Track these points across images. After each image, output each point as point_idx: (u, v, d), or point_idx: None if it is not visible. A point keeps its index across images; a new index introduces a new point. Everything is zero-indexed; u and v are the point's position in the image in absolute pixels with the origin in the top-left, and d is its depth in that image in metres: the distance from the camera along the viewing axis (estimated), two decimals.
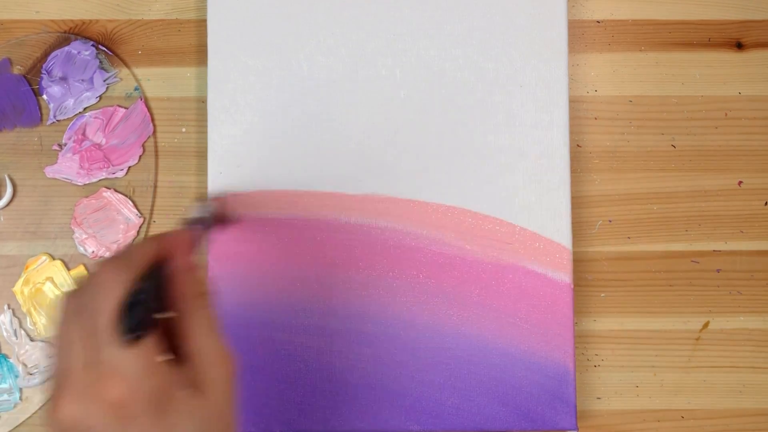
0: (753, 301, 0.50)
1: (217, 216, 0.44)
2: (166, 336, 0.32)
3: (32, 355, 0.48)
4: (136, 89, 0.50)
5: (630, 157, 0.50)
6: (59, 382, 0.31)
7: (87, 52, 0.50)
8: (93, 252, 0.49)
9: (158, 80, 0.50)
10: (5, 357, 0.48)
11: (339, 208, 0.47)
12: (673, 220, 0.50)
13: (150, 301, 0.32)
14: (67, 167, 0.49)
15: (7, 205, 0.49)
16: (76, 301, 0.32)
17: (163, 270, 0.33)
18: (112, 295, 0.31)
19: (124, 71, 0.50)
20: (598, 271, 0.50)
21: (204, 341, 0.32)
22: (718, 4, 0.51)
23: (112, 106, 0.50)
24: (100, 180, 0.49)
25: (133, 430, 0.30)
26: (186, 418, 0.31)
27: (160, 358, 0.31)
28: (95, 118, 0.50)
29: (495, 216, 0.47)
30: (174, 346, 0.32)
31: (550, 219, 0.47)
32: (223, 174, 0.47)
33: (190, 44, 0.51)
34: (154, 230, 0.49)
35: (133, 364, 0.30)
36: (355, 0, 0.48)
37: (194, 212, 0.42)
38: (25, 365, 0.48)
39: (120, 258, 0.32)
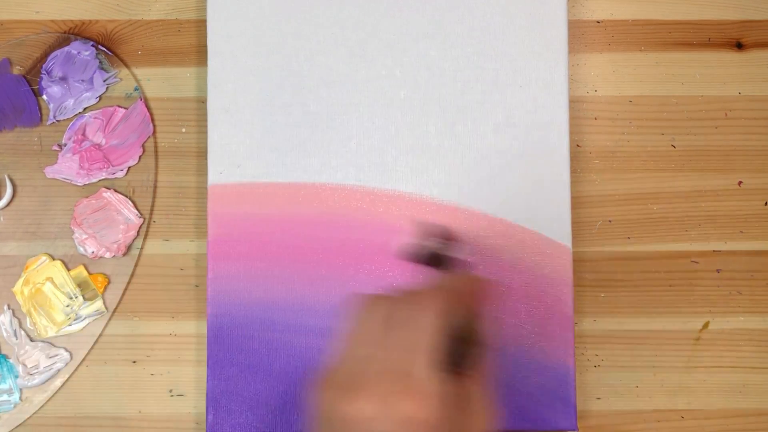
0: (753, 301, 0.50)
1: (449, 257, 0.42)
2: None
3: (32, 356, 0.48)
4: (136, 89, 0.50)
5: (630, 157, 0.50)
6: (354, 377, 0.32)
7: (87, 53, 0.50)
8: (93, 252, 0.49)
9: (158, 80, 0.50)
10: (5, 357, 0.48)
11: (338, 206, 0.47)
12: (673, 220, 0.50)
13: (468, 339, 0.33)
14: (67, 167, 0.49)
15: (7, 205, 0.49)
16: (397, 311, 0.33)
17: (472, 313, 0.35)
18: (442, 321, 0.32)
19: (124, 71, 0.50)
20: (598, 271, 0.50)
21: (475, 386, 0.34)
22: (718, 4, 0.51)
23: (112, 106, 0.50)
24: (100, 180, 0.49)
25: None
26: None
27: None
28: (95, 118, 0.50)
29: (495, 216, 0.47)
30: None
31: (550, 219, 0.47)
32: (223, 174, 0.47)
33: (190, 44, 0.51)
34: (154, 230, 0.49)
35: (440, 392, 0.31)
36: (355, 0, 0.48)
37: (447, 250, 0.41)
38: (25, 365, 0.48)
39: (450, 289, 0.34)
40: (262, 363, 0.46)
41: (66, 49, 0.50)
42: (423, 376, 0.31)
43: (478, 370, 0.34)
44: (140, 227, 0.49)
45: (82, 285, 0.49)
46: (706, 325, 0.49)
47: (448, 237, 0.41)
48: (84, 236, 0.49)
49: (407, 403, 0.30)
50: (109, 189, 0.49)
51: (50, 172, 0.49)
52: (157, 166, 0.50)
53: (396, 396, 0.30)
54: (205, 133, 0.48)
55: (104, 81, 0.50)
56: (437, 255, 0.40)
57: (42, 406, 0.48)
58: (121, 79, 0.50)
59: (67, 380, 0.48)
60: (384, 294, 0.34)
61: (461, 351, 0.33)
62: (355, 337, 0.33)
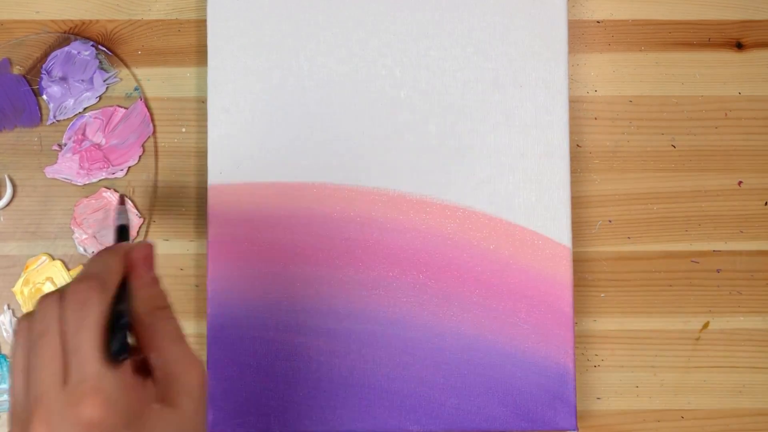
0: (753, 301, 0.50)
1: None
2: (136, 351, 0.32)
3: None
4: (136, 89, 0.50)
5: (630, 157, 0.50)
6: (27, 406, 0.30)
7: (87, 53, 0.50)
8: (93, 252, 0.49)
9: (158, 80, 0.50)
10: (5, 357, 0.48)
11: (338, 207, 0.47)
12: (673, 220, 0.50)
13: (124, 319, 0.32)
14: (67, 167, 0.49)
15: (7, 205, 0.49)
16: (43, 323, 0.31)
17: (127, 286, 0.33)
18: (94, 314, 0.30)
19: (124, 71, 0.50)
20: (598, 271, 0.50)
21: (171, 352, 0.32)
22: (718, 4, 0.51)
23: (112, 106, 0.50)
24: (100, 180, 0.49)
25: None
26: (161, 431, 0.30)
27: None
28: (95, 118, 0.50)
29: (495, 216, 0.47)
30: (142, 360, 0.32)
31: (550, 219, 0.47)
32: (223, 174, 0.47)
33: (190, 44, 0.51)
34: (154, 230, 0.49)
35: (115, 382, 0.29)
36: (355, 0, 0.48)
37: (120, 219, 0.40)
38: None
39: (94, 276, 0.32)
40: (262, 363, 0.46)
41: (66, 49, 0.50)
42: (96, 375, 0.29)
43: (165, 341, 0.32)
44: (140, 227, 0.49)
45: None
46: (706, 325, 0.49)
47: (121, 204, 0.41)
48: (84, 236, 0.49)
49: (85, 408, 0.28)
50: (109, 189, 0.49)
51: (50, 172, 0.49)
52: (157, 166, 0.50)
53: (71, 407, 0.29)
54: (205, 133, 0.48)
55: (104, 81, 0.50)
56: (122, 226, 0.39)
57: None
58: (121, 79, 0.50)
59: None
60: (25, 313, 0.33)
61: (119, 333, 0.31)
62: (19, 364, 0.31)
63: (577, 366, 0.49)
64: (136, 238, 0.49)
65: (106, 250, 0.35)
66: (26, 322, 0.32)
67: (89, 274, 0.32)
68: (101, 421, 0.29)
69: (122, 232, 0.39)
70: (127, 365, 0.31)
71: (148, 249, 0.35)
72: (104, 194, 0.49)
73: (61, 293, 0.32)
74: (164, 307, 0.34)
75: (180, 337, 0.33)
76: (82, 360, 0.29)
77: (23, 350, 0.31)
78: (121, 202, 0.41)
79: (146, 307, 0.33)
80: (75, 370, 0.29)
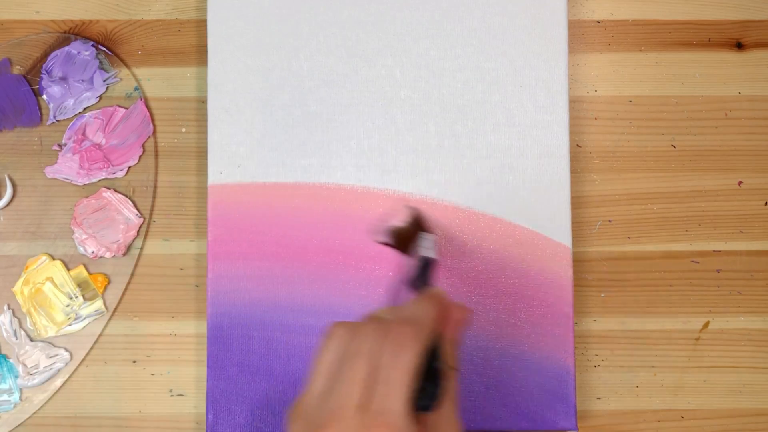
0: (753, 301, 0.50)
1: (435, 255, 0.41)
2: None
3: (32, 356, 0.48)
4: (136, 89, 0.50)
5: (630, 157, 0.50)
6: (322, 410, 0.31)
7: (87, 53, 0.50)
8: (93, 252, 0.49)
9: (158, 80, 0.50)
10: (5, 357, 0.48)
11: (338, 207, 0.47)
12: (673, 220, 0.50)
13: (438, 371, 0.33)
14: (67, 167, 0.49)
15: (7, 205, 0.49)
16: (363, 344, 0.32)
17: (442, 339, 0.34)
18: (410, 358, 0.31)
19: (124, 71, 0.50)
20: (598, 271, 0.50)
21: (446, 413, 0.33)
22: (718, 4, 0.51)
23: (112, 106, 0.50)
24: (100, 180, 0.49)
25: None
26: None
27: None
28: (95, 118, 0.50)
29: (495, 215, 0.47)
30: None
31: (550, 219, 0.47)
32: (223, 174, 0.47)
33: (190, 44, 0.51)
34: (154, 230, 0.49)
35: (408, 428, 0.30)
36: (355, 0, 0.48)
37: (427, 250, 0.40)
38: (25, 365, 0.48)
39: (415, 323, 0.33)
40: (262, 363, 0.46)
41: (66, 49, 0.50)
42: (393, 412, 0.30)
43: (445, 401, 0.33)
44: (140, 227, 0.49)
45: (82, 285, 0.49)
46: (706, 325, 0.49)
47: (420, 223, 0.40)
48: (84, 236, 0.49)
49: None
50: (109, 189, 0.49)
51: (50, 172, 0.49)
52: (157, 166, 0.50)
53: (363, 430, 0.30)
54: (205, 133, 0.48)
55: (104, 81, 0.50)
56: (407, 236, 0.39)
57: (42, 406, 0.48)
58: (121, 79, 0.50)
59: (67, 380, 0.48)
60: (346, 322, 0.34)
61: (430, 387, 0.32)
62: (315, 368, 0.33)
63: (577, 366, 0.49)
64: (136, 238, 0.49)
65: (430, 298, 0.36)
66: (346, 334, 0.33)
67: (412, 319, 0.34)
68: None
69: (427, 266, 0.39)
70: (423, 420, 0.32)
71: (467, 313, 0.37)
72: (104, 194, 0.49)
73: (386, 327, 0.33)
74: (457, 369, 0.35)
75: (454, 398, 0.34)
76: (389, 394, 0.31)
77: (335, 357, 0.33)
78: (421, 226, 0.40)
79: (448, 364, 0.34)
80: (378, 400, 0.31)
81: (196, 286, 0.49)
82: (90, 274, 0.49)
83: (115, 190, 0.49)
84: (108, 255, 0.49)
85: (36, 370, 0.48)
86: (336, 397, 0.31)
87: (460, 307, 0.36)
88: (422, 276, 0.39)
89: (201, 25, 0.51)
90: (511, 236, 0.47)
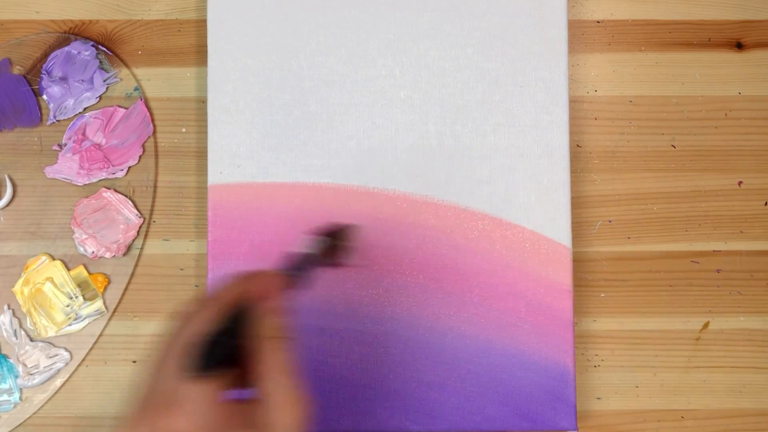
0: (753, 301, 0.50)
1: (329, 253, 0.41)
2: (242, 376, 0.33)
3: (32, 356, 0.48)
4: (136, 89, 0.50)
5: (630, 157, 0.50)
6: (134, 404, 0.32)
7: (87, 53, 0.50)
8: (93, 252, 0.49)
9: (158, 80, 0.50)
10: (5, 357, 0.48)
11: (338, 207, 0.47)
12: (673, 220, 0.50)
13: (229, 340, 0.32)
14: (67, 167, 0.49)
15: (7, 205, 0.49)
16: (173, 332, 0.33)
17: (249, 310, 0.34)
18: (193, 329, 0.32)
19: (124, 71, 0.50)
20: (598, 271, 0.50)
21: (275, 384, 0.32)
22: (718, 4, 0.51)
23: (112, 106, 0.50)
24: (100, 180, 0.49)
25: None
26: None
27: (222, 397, 0.31)
28: (95, 118, 0.50)
29: (495, 216, 0.47)
30: (247, 386, 0.33)
31: (550, 219, 0.47)
32: (223, 174, 0.47)
33: (190, 44, 0.51)
34: (154, 230, 0.49)
35: (195, 399, 0.31)
36: (355, 0, 0.48)
37: (305, 246, 0.39)
38: (25, 365, 0.48)
39: (211, 295, 0.34)
40: None
41: (66, 49, 0.50)
42: (177, 389, 0.31)
43: (271, 373, 0.33)
44: (140, 227, 0.49)
45: (82, 285, 0.49)
46: (706, 325, 0.49)
47: (318, 234, 0.41)
48: (84, 236, 0.49)
49: (167, 419, 0.30)
50: (109, 189, 0.49)
51: (50, 172, 0.49)
52: (157, 166, 0.50)
53: (158, 415, 0.30)
54: (205, 133, 0.48)
55: (104, 81, 0.50)
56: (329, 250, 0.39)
57: (42, 406, 0.48)
58: (121, 79, 0.50)
59: (67, 380, 0.48)
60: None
61: (209, 353, 0.32)
62: (149, 366, 0.33)
63: (577, 366, 0.49)
64: (136, 238, 0.49)
65: (231, 278, 0.36)
66: (169, 329, 0.34)
67: (206, 294, 0.34)
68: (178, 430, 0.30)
69: (307, 261, 0.39)
70: (216, 387, 0.31)
71: (272, 279, 0.36)
72: (104, 194, 0.49)
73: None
74: (280, 337, 0.34)
75: (287, 371, 0.33)
76: (171, 373, 0.31)
77: (156, 353, 0.34)
78: (333, 234, 0.41)
79: (263, 333, 0.33)
80: (165, 381, 0.32)
81: (196, 286, 0.49)
82: (90, 274, 0.49)
83: (115, 190, 0.49)
84: (108, 255, 0.49)
85: (36, 370, 0.48)
86: (144, 388, 0.32)
87: (264, 275, 0.36)
88: (300, 267, 0.38)
89: (201, 25, 0.51)
90: (511, 236, 0.47)
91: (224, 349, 0.32)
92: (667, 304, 0.49)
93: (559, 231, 0.47)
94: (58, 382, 0.48)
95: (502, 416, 0.46)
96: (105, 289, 0.49)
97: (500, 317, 0.47)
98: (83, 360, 0.48)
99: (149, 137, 0.50)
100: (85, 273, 0.49)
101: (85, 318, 0.48)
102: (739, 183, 0.50)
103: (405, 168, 0.48)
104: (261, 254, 0.47)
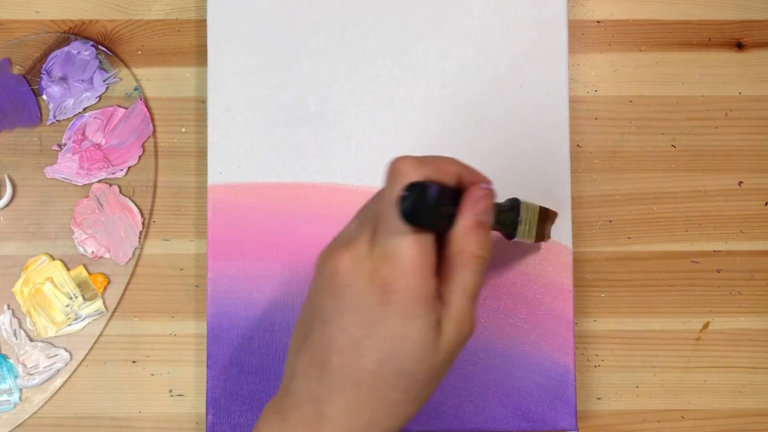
0: (753, 301, 0.49)
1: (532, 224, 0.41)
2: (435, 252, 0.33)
3: (32, 356, 0.48)
4: (135, 89, 0.50)
5: (630, 157, 0.50)
6: (344, 238, 0.34)
7: (87, 52, 0.50)
8: (93, 252, 0.49)
9: (158, 80, 0.50)
10: (5, 357, 0.48)
11: (338, 207, 0.47)
12: (673, 220, 0.50)
13: (440, 201, 0.32)
14: (66, 167, 0.49)
15: (7, 205, 0.49)
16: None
17: (459, 198, 0.34)
18: (404, 179, 0.32)
19: (124, 71, 0.50)
20: (598, 271, 0.50)
21: (458, 299, 0.33)
22: (718, 4, 0.51)
23: (111, 106, 0.50)
24: (100, 180, 0.49)
25: (353, 303, 0.32)
26: (410, 333, 0.32)
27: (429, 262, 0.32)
28: (95, 118, 0.50)
29: None
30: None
31: None
32: (223, 174, 0.47)
33: (190, 44, 0.51)
34: (154, 230, 0.49)
35: (403, 251, 0.31)
36: (355, 0, 0.48)
37: (508, 206, 0.40)
38: (24, 365, 0.48)
39: (426, 158, 0.33)
40: (262, 363, 0.46)
41: (66, 49, 0.50)
42: (387, 241, 0.32)
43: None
44: (141, 228, 0.49)
45: (81, 285, 0.49)
46: (706, 325, 0.49)
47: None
48: (84, 236, 0.49)
49: (377, 266, 0.33)
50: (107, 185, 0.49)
51: (50, 172, 0.49)
52: (157, 166, 0.50)
53: (370, 257, 0.33)
54: (205, 133, 0.48)
55: (104, 81, 0.50)
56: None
57: (42, 406, 0.48)
58: (121, 79, 0.50)
59: (67, 380, 0.48)
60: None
61: (420, 202, 0.32)
62: (361, 210, 0.38)
63: (577, 366, 0.49)
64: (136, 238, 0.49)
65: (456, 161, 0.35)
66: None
67: (420, 158, 0.33)
68: (387, 282, 0.32)
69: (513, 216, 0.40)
70: (421, 246, 0.32)
71: (490, 192, 0.35)
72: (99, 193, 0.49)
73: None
74: (479, 256, 0.33)
75: (472, 291, 0.33)
76: (381, 223, 0.33)
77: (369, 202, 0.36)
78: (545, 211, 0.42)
79: (461, 246, 0.33)
80: (376, 232, 0.33)
81: (196, 286, 0.49)
82: (90, 274, 0.49)
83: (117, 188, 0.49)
84: (108, 255, 0.49)
85: (36, 371, 0.48)
86: (352, 233, 0.34)
87: (485, 182, 0.36)
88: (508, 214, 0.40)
89: (201, 25, 0.51)
90: None
91: (436, 208, 0.32)
92: (667, 304, 0.49)
93: (559, 231, 0.47)
94: (58, 382, 0.48)
95: (502, 416, 0.46)
96: (105, 289, 0.49)
97: (500, 317, 0.47)
98: (83, 360, 0.48)
99: (149, 137, 0.50)
100: (85, 273, 0.49)
101: (84, 318, 0.48)
102: (740, 183, 0.50)
103: None
104: (261, 254, 0.47)
